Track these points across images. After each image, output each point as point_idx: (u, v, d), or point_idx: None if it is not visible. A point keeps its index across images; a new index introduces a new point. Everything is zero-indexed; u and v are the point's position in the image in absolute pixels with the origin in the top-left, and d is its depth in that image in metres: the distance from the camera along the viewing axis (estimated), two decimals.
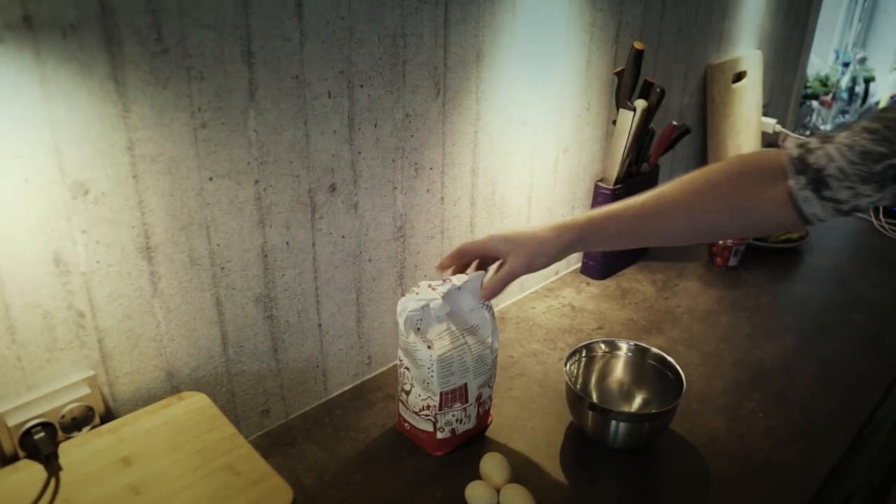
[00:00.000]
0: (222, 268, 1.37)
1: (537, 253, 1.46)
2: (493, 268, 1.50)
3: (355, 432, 1.58)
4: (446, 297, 1.46)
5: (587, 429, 1.55)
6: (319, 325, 1.59)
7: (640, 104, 2.02)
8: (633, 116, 2.03)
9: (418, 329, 1.44)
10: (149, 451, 1.23)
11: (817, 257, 2.43)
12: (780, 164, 1.32)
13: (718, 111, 2.63)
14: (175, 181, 1.24)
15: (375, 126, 1.51)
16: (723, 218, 1.39)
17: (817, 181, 1.27)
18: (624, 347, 1.68)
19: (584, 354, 1.66)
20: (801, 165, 1.29)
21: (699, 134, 2.68)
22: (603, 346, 1.68)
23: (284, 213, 1.42)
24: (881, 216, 2.67)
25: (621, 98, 2.05)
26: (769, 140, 3.06)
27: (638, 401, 1.65)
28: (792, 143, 1.33)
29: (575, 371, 1.65)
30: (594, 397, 1.65)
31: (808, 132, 3.33)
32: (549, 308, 2.08)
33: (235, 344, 1.45)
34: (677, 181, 1.41)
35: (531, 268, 1.47)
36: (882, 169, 1.21)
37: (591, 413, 1.51)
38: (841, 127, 1.31)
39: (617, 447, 1.54)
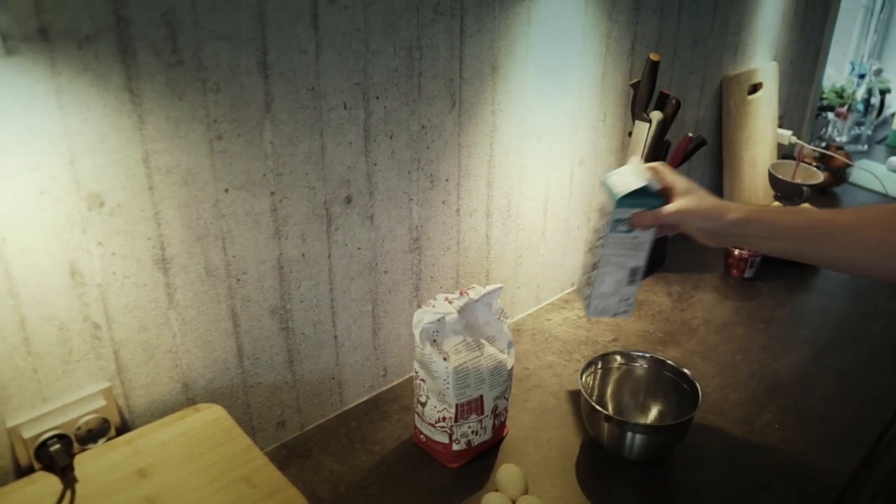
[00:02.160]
0: (238, 279, 1.37)
1: (704, 212, 1.41)
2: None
3: (371, 444, 1.58)
4: (462, 310, 1.46)
5: (603, 441, 1.54)
6: (335, 336, 1.59)
7: (656, 116, 2.02)
8: (649, 128, 2.02)
9: (434, 341, 1.43)
10: (164, 462, 1.23)
11: None
12: None
13: (734, 123, 2.62)
14: (191, 193, 1.24)
15: (391, 138, 1.51)
16: (886, 251, 1.35)
17: None
18: (640, 359, 1.67)
19: (599, 366, 1.66)
20: None
21: (715, 146, 2.67)
22: (619, 357, 1.68)
23: (300, 225, 1.42)
24: None
25: (637, 110, 2.05)
26: (785, 152, 3.05)
27: (654, 413, 1.65)
28: None
29: (591, 383, 1.64)
30: (610, 409, 1.65)
31: (823, 144, 3.31)
32: (565, 320, 2.08)
33: (251, 355, 1.45)
34: (859, 209, 1.37)
35: (690, 217, 1.42)
36: None
37: (606, 425, 1.51)
38: None
39: (633, 459, 1.53)
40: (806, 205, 2.47)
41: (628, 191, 1.41)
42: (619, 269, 1.52)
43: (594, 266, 1.52)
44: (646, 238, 1.49)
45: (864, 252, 1.36)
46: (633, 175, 1.44)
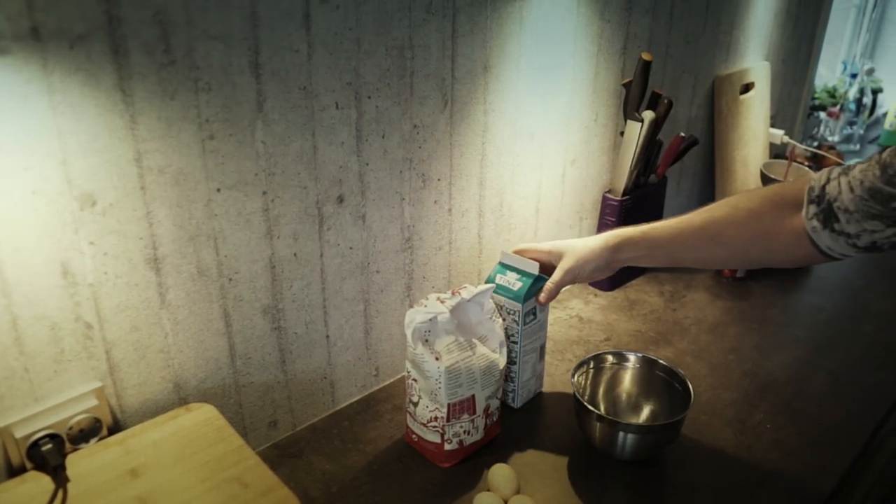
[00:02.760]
0: (230, 279, 1.37)
1: (584, 258, 1.58)
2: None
3: (363, 444, 1.58)
4: (454, 309, 1.46)
5: (595, 440, 1.54)
6: (327, 336, 1.59)
7: (648, 115, 2.02)
8: (641, 128, 2.03)
9: (426, 340, 1.43)
10: (156, 462, 1.23)
11: (825, 269, 2.42)
12: (803, 194, 1.32)
13: (726, 122, 2.62)
14: (183, 192, 1.24)
15: (383, 137, 1.51)
16: (745, 245, 1.41)
17: (827, 212, 1.26)
18: (632, 359, 1.67)
19: (591, 366, 1.66)
20: (818, 195, 1.28)
21: (707, 145, 2.68)
22: (611, 357, 1.68)
23: (292, 225, 1.42)
24: None
25: (629, 109, 2.05)
26: (777, 151, 3.06)
27: (646, 412, 1.65)
28: (824, 171, 1.31)
29: (583, 382, 1.64)
30: (602, 409, 1.65)
31: (815, 143, 3.32)
32: (557, 319, 2.08)
33: (243, 355, 1.45)
34: (710, 207, 1.47)
35: (579, 271, 1.60)
36: (892, 208, 1.19)
37: (598, 425, 1.51)
38: (869, 157, 1.27)
39: (625, 459, 1.53)
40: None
41: (529, 284, 1.61)
42: (533, 354, 1.70)
43: (511, 363, 1.66)
44: (544, 315, 1.70)
45: (722, 250, 1.47)
46: (518, 270, 1.65)
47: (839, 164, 2.92)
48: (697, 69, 2.45)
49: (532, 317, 1.63)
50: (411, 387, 1.50)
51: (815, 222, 1.28)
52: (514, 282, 1.61)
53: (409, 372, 1.49)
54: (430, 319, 1.43)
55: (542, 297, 1.62)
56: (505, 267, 1.64)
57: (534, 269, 1.61)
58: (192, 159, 1.24)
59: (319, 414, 1.65)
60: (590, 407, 1.50)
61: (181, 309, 1.33)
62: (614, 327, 2.05)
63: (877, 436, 1.69)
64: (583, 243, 1.60)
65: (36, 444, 1.20)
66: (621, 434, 1.49)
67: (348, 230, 1.53)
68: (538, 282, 1.62)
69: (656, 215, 2.34)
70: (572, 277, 1.61)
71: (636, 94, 2.02)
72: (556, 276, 1.61)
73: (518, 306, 1.59)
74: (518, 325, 1.61)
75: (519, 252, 1.67)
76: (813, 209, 1.28)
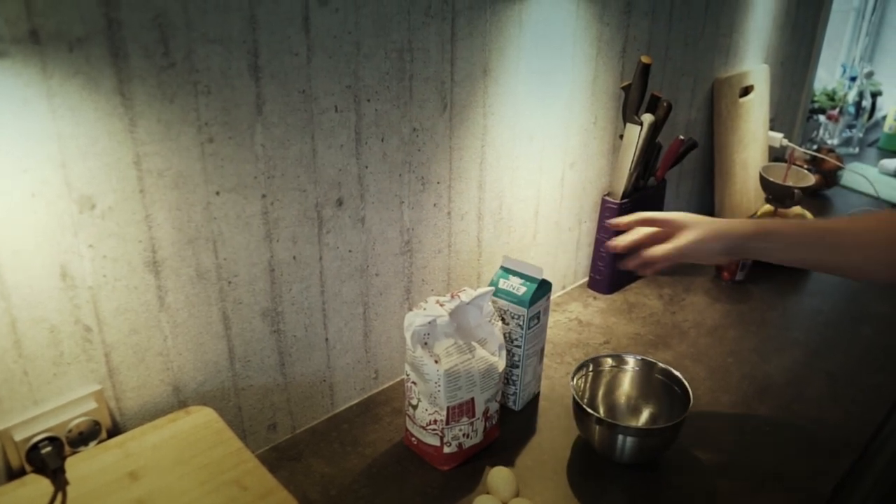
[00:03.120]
0: (229, 282, 1.37)
1: (714, 234, 1.51)
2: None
3: (362, 447, 1.58)
4: (454, 313, 1.46)
5: (594, 443, 1.54)
6: (326, 339, 1.59)
7: (647, 118, 2.02)
8: (640, 131, 2.03)
9: (425, 343, 1.44)
10: (156, 465, 1.23)
11: None
12: None
13: (725, 125, 2.63)
14: (182, 195, 1.24)
15: (382, 140, 1.51)
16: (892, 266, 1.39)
17: None
18: (631, 362, 1.67)
19: (591, 369, 1.66)
20: None
21: (706, 148, 2.68)
22: (610, 360, 1.68)
23: (291, 228, 1.42)
24: None
25: (628, 112, 2.05)
26: (776, 154, 3.06)
27: (645, 415, 1.65)
28: None
29: (582, 385, 1.64)
30: (601, 412, 1.65)
31: (814, 146, 3.32)
32: (556, 322, 2.08)
33: (242, 358, 1.45)
34: (865, 216, 1.45)
35: (703, 245, 1.51)
36: None
37: (598, 427, 1.51)
38: None
39: (624, 461, 1.53)
40: (797, 208, 2.48)
41: (534, 289, 1.61)
42: (534, 357, 1.71)
43: (513, 366, 1.67)
44: (545, 319, 1.71)
45: (874, 255, 1.41)
46: (521, 274, 1.65)
47: (839, 168, 2.92)
48: (697, 72, 2.45)
49: (536, 321, 1.63)
50: (410, 390, 1.50)
51: None
52: (517, 286, 1.61)
53: (408, 375, 1.49)
54: (430, 322, 1.43)
55: (653, 255, 1.55)
56: (507, 271, 1.64)
57: (537, 273, 1.61)
58: (192, 162, 1.24)
59: (318, 417, 1.65)
60: (589, 410, 1.50)
61: (180, 312, 1.33)
62: (613, 330, 2.05)
63: (876, 438, 1.69)
64: (716, 222, 1.53)
65: (35, 447, 1.20)
66: (620, 437, 1.49)
67: (347, 233, 1.53)
68: (543, 286, 1.63)
69: None
70: (695, 249, 1.52)
71: (635, 97, 2.02)
72: (682, 242, 1.53)
73: (523, 311, 1.59)
74: (522, 329, 1.61)
75: (636, 219, 1.64)
76: None
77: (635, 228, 1.64)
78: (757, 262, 2.27)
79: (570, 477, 1.52)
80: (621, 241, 1.63)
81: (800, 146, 3.09)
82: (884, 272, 1.40)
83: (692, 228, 1.53)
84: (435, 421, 1.47)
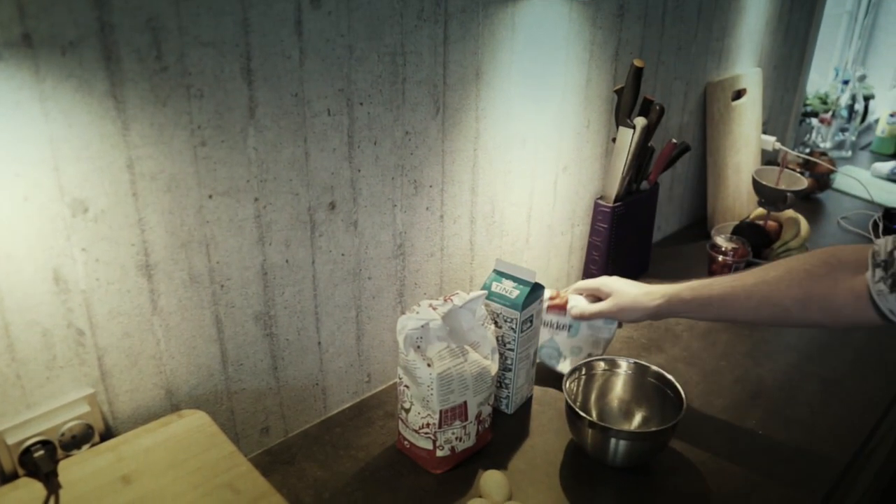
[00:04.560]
0: (222, 285, 1.37)
1: (629, 307, 1.69)
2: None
3: (355, 450, 1.58)
4: (446, 316, 1.46)
5: (587, 447, 1.54)
6: (319, 342, 1.59)
7: (640, 122, 2.03)
8: (633, 134, 2.03)
9: (418, 347, 1.44)
10: (148, 469, 1.23)
11: None
12: (864, 257, 1.33)
13: (718, 129, 2.63)
14: (175, 199, 1.24)
15: (375, 144, 1.51)
16: (799, 305, 1.44)
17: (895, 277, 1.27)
18: (623, 365, 1.68)
19: (583, 372, 1.66)
20: (884, 259, 1.30)
21: (699, 151, 2.68)
22: (602, 363, 1.68)
23: (284, 231, 1.42)
24: (881, 234, 2.67)
25: (621, 116, 2.05)
26: (769, 158, 3.06)
27: (637, 419, 1.65)
28: (890, 238, 1.32)
29: (574, 389, 1.65)
30: (594, 415, 1.65)
31: (807, 150, 3.33)
32: None
33: (235, 362, 1.45)
34: (762, 268, 1.53)
35: (620, 314, 1.72)
36: None
37: (590, 431, 1.51)
38: None
39: (617, 465, 1.54)
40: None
41: (527, 293, 1.62)
42: (526, 360, 1.71)
43: (505, 370, 1.67)
44: (539, 322, 1.71)
45: (775, 310, 1.49)
46: (514, 278, 1.65)
47: (832, 171, 2.93)
48: (689, 75, 2.46)
49: (528, 324, 1.63)
50: (403, 393, 1.50)
51: (881, 286, 1.29)
52: (510, 289, 1.61)
53: (400, 378, 1.50)
54: (422, 326, 1.43)
55: (574, 313, 1.78)
56: (500, 274, 1.65)
57: (530, 276, 1.61)
58: (184, 166, 1.24)
59: (311, 420, 1.65)
60: (581, 413, 1.50)
61: (173, 315, 1.33)
62: None
63: (868, 442, 1.69)
64: (637, 290, 1.70)
65: (28, 451, 1.20)
66: (613, 440, 1.49)
67: (340, 237, 1.53)
68: (535, 290, 1.63)
69: (648, 222, 2.34)
70: (619, 314, 1.73)
71: (628, 101, 2.03)
72: (605, 305, 1.73)
73: (516, 314, 1.59)
74: (515, 332, 1.61)
75: (574, 290, 1.83)
76: (880, 273, 1.30)
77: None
78: (749, 264, 2.28)
79: (562, 480, 1.52)
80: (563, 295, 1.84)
81: (792, 149, 3.10)
82: (793, 318, 1.48)
83: (613, 298, 1.72)
84: (427, 424, 1.47)
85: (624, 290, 1.71)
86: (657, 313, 1.65)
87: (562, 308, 1.81)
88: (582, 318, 1.76)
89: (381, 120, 1.50)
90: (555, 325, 1.82)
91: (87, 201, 1.14)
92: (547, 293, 1.78)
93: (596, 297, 1.78)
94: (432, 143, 1.63)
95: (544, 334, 1.82)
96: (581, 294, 1.81)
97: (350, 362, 1.68)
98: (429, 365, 1.42)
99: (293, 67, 1.32)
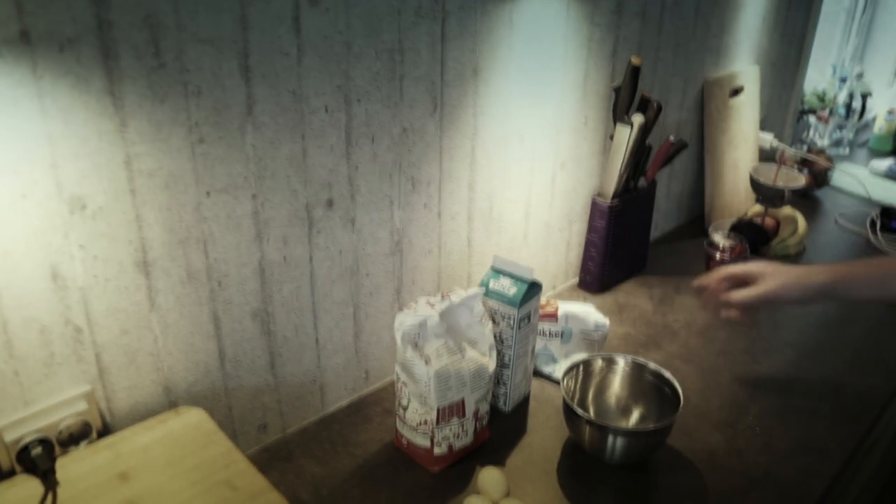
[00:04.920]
0: (220, 283, 1.37)
1: (794, 284, 1.62)
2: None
3: (353, 447, 1.58)
4: (444, 313, 1.46)
5: (584, 444, 1.54)
6: (317, 339, 1.59)
7: (638, 119, 2.03)
8: (631, 131, 2.03)
9: (416, 344, 1.44)
10: (146, 466, 1.23)
11: None
12: None
13: (716, 126, 2.63)
14: (173, 196, 1.24)
15: (373, 141, 1.51)
16: None
17: None
18: (621, 362, 1.68)
19: (581, 369, 1.66)
20: None
21: (696, 149, 2.68)
22: (600, 361, 1.68)
23: (282, 228, 1.42)
24: (878, 231, 2.67)
25: (619, 113, 2.05)
26: (766, 155, 3.06)
27: (635, 416, 1.65)
28: None
29: (572, 386, 1.65)
30: (591, 412, 1.65)
31: (804, 147, 3.33)
32: None
33: (233, 359, 1.45)
34: None
35: (784, 292, 1.63)
36: None
37: (588, 428, 1.51)
38: None
39: (614, 462, 1.54)
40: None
41: (525, 290, 1.61)
42: (524, 357, 1.70)
43: (503, 367, 1.67)
44: (536, 319, 1.71)
45: None
46: (511, 275, 1.64)
47: (829, 168, 2.93)
48: (687, 73, 2.46)
49: (526, 321, 1.63)
50: (401, 390, 1.50)
51: None
52: (508, 287, 1.61)
53: (398, 375, 1.49)
54: (420, 323, 1.43)
55: (736, 300, 1.67)
56: (497, 272, 1.64)
57: (528, 273, 1.61)
58: (182, 163, 1.24)
59: (309, 417, 1.65)
60: (579, 411, 1.50)
61: (171, 312, 1.33)
62: None
63: (866, 439, 1.70)
64: (796, 271, 1.65)
65: (26, 448, 1.20)
66: (611, 438, 1.49)
67: (338, 234, 1.53)
68: (533, 287, 1.63)
69: (646, 219, 2.34)
70: (776, 297, 1.64)
71: (626, 98, 2.03)
72: (769, 286, 1.64)
73: (514, 311, 1.59)
74: (513, 329, 1.61)
75: (719, 277, 1.74)
76: None
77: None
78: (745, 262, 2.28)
79: (560, 477, 1.52)
80: (707, 281, 1.77)
81: (790, 147, 3.10)
82: None
83: (772, 278, 1.64)
84: (425, 421, 1.47)
85: (781, 270, 1.66)
86: (821, 288, 1.61)
87: (553, 316, 1.82)
88: (745, 304, 1.67)
89: (378, 117, 1.50)
90: (548, 334, 1.82)
91: (85, 198, 1.14)
92: None
93: (737, 283, 1.72)
94: (430, 140, 1.63)
95: (538, 343, 1.82)
96: (723, 281, 1.74)
97: (348, 359, 1.67)
98: (426, 362, 1.42)
99: (291, 64, 1.32)
